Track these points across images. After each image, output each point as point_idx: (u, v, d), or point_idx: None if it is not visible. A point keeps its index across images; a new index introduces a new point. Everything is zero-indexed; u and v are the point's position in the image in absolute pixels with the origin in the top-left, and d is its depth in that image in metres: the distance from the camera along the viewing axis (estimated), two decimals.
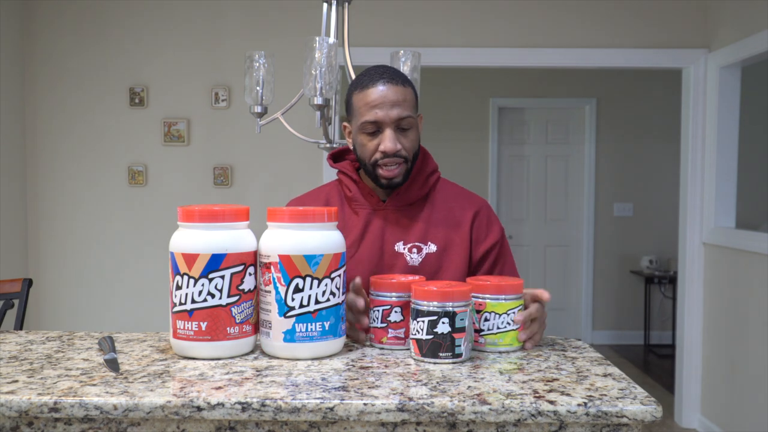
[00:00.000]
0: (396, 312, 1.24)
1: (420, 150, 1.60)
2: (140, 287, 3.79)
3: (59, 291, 3.81)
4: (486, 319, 1.22)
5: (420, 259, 1.53)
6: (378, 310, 1.26)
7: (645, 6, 3.78)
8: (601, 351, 5.66)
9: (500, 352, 1.22)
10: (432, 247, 1.54)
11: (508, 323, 1.22)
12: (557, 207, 6.11)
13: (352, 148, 1.58)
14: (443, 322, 1.14)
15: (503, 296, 1.22)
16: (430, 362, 1.15)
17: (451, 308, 1.14)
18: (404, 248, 1.54)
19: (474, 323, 1.18)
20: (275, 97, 2.00)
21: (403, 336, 1.24)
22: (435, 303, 1.15)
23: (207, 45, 3.75)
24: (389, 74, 1.51)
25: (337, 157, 1.70)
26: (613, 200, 6.02)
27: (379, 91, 1.48)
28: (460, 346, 1.15)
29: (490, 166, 5.98)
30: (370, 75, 1.52)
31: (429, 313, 1.15)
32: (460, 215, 1.60)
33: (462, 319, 1.15)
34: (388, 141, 1.48)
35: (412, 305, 1.18)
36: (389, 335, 1.25)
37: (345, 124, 1.60)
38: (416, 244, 1.55)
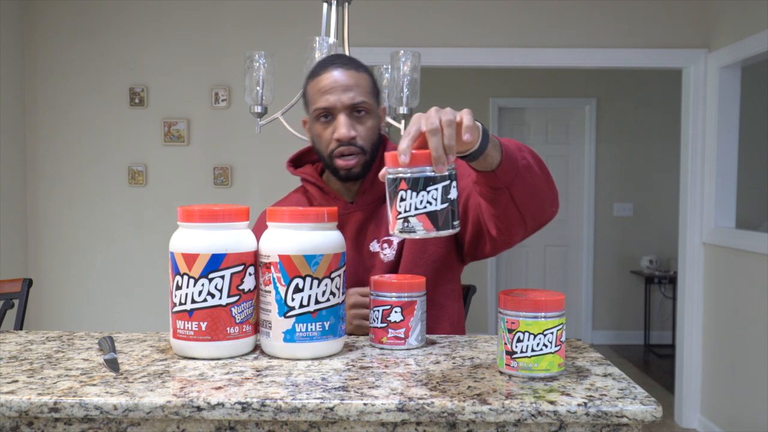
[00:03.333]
0: (396, 312, 1.24)
1: (381, 140, 1.52)
2: (140, 287, 3.79)
3: (59, 291, 3.81)
4: (519, 340, 1.07)
5: (393, 252, 1.48)
6: (378, 310, 1.26)
7: (645, 6, 3.78)
8: (601, 351, 5.66)
9: (533, 378, 1.07)
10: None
11: (545, 345, 1.06)
12: None
13: (312, 144, 1.53)
14: (454, 187, 1.02)
15: (542, 314, 1.06)
16: (445, 233, 1.02)
17: (455, 170, 1.04)
18: (377, 246, 1.50)
19: (506, 344, 1.08)
20: (275, 97, 2.01)
21: (403, 336, 1.24)
22: (450, 166, 1.01)
23: (207, 45, 3.76)
24: (342, 60, 1.46)
25: (297, 160, 1.61)
26: (613, 200, 6.02)
27: (331, 76, 1.43)
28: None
29: None
30: (323, 63, 1.47)
31: (442, 179, 1.00)
32: None
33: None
34: (342, 127, 1.42)
35: (418, 175, 1.00)
36: (389, 335, 1.25)
37: (304, 119, 1.54)
38: (386, 238, 1.50)
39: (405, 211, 1.01)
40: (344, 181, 1.49)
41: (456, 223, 1.02)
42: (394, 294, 1.25)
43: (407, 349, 1.25)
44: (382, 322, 1.25)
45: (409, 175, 0.99)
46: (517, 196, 1.21)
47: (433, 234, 1.01)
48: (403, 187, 1.00)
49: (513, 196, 1.20)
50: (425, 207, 1.00)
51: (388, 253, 1.49)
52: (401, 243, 1.49)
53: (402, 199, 1.01)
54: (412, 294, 1.25)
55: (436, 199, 1.00)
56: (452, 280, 1.54)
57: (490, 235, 1.37)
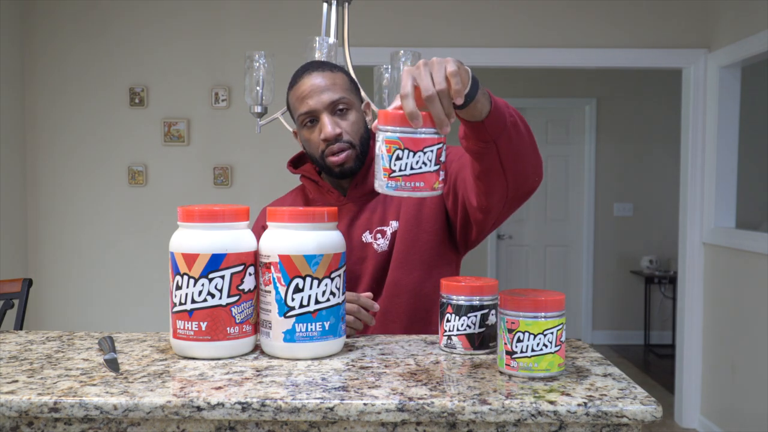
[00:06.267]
0: (492, 314, 1.23)
1: (371, 134, 1.54)
2: (140, 287, 3.79)
3: (59, 291, 3.81)
4: (519, 340, 1.07)
5: (387, 242, 1.50)
6: (431, 150, 1.04)
7: (645, 6, 3.78)
8: (601, 351, 5.66)
9: (533, 378, 1.07)
10: (394, 225, 1.51)
11: (545, 345, 1.07)
12: (557, 207, 6.11)
13: (305, 151, 1.57)
14: (492, 314, 1.22)
15: (542, 314, 1.07)
16: (481, 354, 1.21)
17: (496, 301, 1.21)
18: (370, 237, 1.52)
19: (506, 344, 1.10)
20: (275, 97, 2.00)
21: (445, 179, 1.12)
22: (488, 297, 1.22)
23: (207, 45, 3.76)
24: (315, 64, 1.51)
25: (297, 162, 1.67)
26: (613, 200, 6.02)
27: (307, 81, 1.47)
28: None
29: None
30: (298, 71, 1.52)
31: (482, 307, 1.21)
32: None
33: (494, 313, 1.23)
34: (326, 126, 1.45)
35: (462, 303, 1.21)
36: (440, 178, 1.06)
37: (294, 130, 1.58)
38: (379, 228, 1.52)
39: (449, 331, 1.23)
40: (340, 178, 1.52)
41: (492, 344, 1.22)
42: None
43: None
44: (435, 164, 1.05)
45: (453, 302, 1.22)
46: (503, 152, 1.20)
47: (470, 352, 1.22)
48: (449, 311, 1.23)
49: (499, 151, 1.20)
50: (465, 329, 1.22)
51: (381, 243, 1.51)
52: (394, 233, 1.51)
53: (448, 321, 1.23)
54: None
55: (475, 324, 1.21)
56: (448, 270, 1.55)
57: (471, 205, 1.37)
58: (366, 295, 1.38)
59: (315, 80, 1.46)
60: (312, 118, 1.48)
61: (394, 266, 1.50)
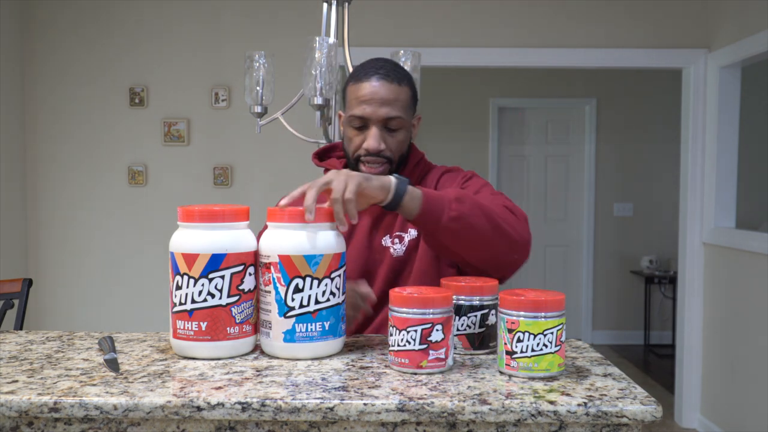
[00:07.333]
0: (437, 330, 1.09)
1: (410, 149, 1.55)
2: (140, 287, 3.79)
3: (59, 291, 3.81)
4: (519, 340, 1.07)
5: (403, 248, 1.50)
6: (416, 330, 1.09)
7: (645, 6, 3.78)
8: (601, 351, 5.66)
9: (533, 378, 1.07)
10: (413, 233, 1.51)
11: (545, 345, 1.07)
12: (557, 207, 6.11)
13: (341, 142, 1.56)
14: (492, 314, 1.21)
15: (542, 314, 1.06)
16: (481, 353, 1.21)
17: (496, 301, 1.20)
18: (389, 241, 1.52)
19: (506, 344, 1.09)
20: (275, 97, 2.01)
21: (444, 356, 1.10)
22: (488, 297, 1.21)
23: (207, 45, 3.75)
24: (386, 70, 1.46)
25: (322, 155, 1.66)
26: (613, 200, 6.02)
27: (372, 86, 1.44)
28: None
29: (490, 166, 5.98)
30: (366, 68, 1.48)
31: (482, 307, 1.21)
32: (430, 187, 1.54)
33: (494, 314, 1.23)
34: (372, 139, 1.44)
35: (460, 304, 1.20)
36: (430, 357, 1.10)
37: (340, 112, 1.57)
38: (397, 233, 1.51)
39: None
40: None
41: (492, 344, 1.22)
42: (439, 310, 1.10)
43: (445, 371, 1.13)
44: (421, 344, 1.09)
45: (453, 302, 1.18)
46: (447, 243, 1.30)
47: (470, 352, 1.22)
48: None
49: (443, 242, 1.30)
50: (465, 329, 1.21)
51: (398, 248, 1.51)
52: (411, 240, 1.51)
53: None
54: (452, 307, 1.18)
55: (475, 324, 1.21)
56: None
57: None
58: (363, 284, 1.39)
59: (380, 88, 1.43)
60: (362, 123, 1.46)
61: (407, 273, 1.50)
